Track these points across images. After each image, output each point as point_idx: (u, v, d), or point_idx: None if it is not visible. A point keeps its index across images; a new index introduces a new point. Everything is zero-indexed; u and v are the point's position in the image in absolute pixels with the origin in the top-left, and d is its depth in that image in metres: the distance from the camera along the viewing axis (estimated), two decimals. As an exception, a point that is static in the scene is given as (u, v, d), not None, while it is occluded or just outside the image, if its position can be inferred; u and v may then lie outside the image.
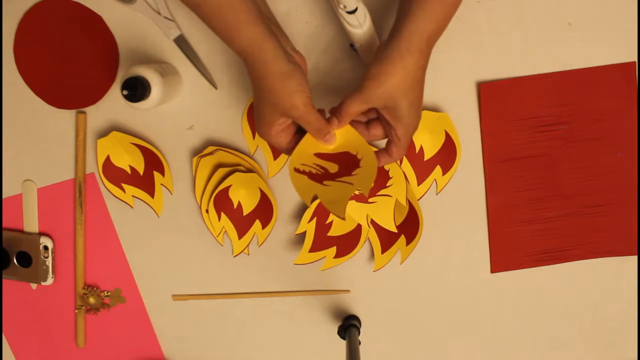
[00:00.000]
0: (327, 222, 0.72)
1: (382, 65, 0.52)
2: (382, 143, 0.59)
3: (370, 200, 0.70)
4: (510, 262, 0.73)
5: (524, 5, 0.66)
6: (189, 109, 0.71)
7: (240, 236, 0.74)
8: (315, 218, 0.71)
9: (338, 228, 0.72)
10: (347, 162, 0.56)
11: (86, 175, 0.75)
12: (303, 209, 0.72)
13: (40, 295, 0.79)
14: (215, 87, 0.70)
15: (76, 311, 0.78)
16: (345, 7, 0.57)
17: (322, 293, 0.75)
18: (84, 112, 0.73)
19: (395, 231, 0.70)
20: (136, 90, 0.61)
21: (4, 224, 0.78)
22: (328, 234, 0.72)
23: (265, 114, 0.54)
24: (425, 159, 0.70)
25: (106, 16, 0.70)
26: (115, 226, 0.76)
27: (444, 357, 0.77)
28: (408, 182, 0.70)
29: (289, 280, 0.76)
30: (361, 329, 0.75)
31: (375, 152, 0.57)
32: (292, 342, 0.78)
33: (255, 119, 0.56)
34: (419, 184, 0.71)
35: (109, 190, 0.74)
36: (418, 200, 0.71)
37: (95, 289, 0.78)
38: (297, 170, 0.56)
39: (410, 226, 0.71)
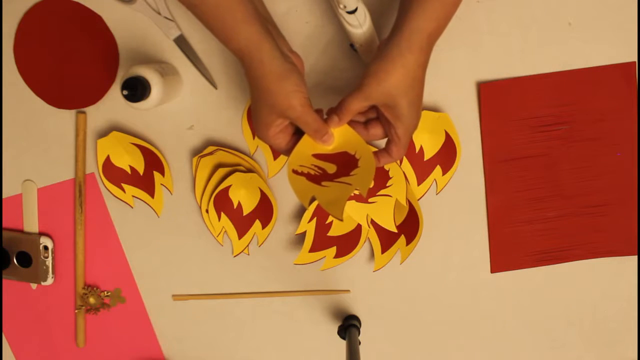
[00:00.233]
0: (327, 222, 0.72)
1: (383, 63, 0.52)
2: (382, 143, 0.59)
3: (370, 200, 0.70)
4: (510, 262, 0.73)
5: (524, 5, 0.66)
6: (189, 109, 0.71)
7: (240, 236, 0.74)
8: (315, 218, 0.71)
9: (338, 228, 0.72)
10: (345, 163, 0.56)
11: (86, 175, 0.75)
12: (303, 209, 0.72)
13: (40, 295, 0.79)
14: (215, 87, 0.70)
15: (76, 311, 0.78)
16: (345, 7, 0.57)
17: (322, 293, 0.75)
18: (84, 112, 0.73)
19: (395, 231, 0.70)
20: (136, 90, 0.61)
21: (4, 224, 0.78)
22: (328, 234, 0.72)
23: (263, 115, 0.54)
24: (425, 159, 0.70)
25: (106, 16, 0.70)
26: (115, 226, 0.76)
27: (444, 357, 0.77)
28: (408, 182, 0.70)
29: (289, 280, 0.76)
30: (361, 329, 0.75)
31: (375, 152, 0.57)
32: (292, 342, 0.78)
33: (253, 120, 0.56)
34: (419, 184, 0.71)
35: (109, 190, 0.74)
36: (418, 200, 0.71)
37: (95, 289, 0.78)
38: (295, 172, 0.56)
39: (410, 226, 0.71)
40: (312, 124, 0.54)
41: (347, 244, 0.72)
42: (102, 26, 0.70)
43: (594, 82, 0.67)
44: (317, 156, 0.57)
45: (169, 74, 0.66)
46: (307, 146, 0.57)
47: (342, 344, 0.75)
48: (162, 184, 0.74)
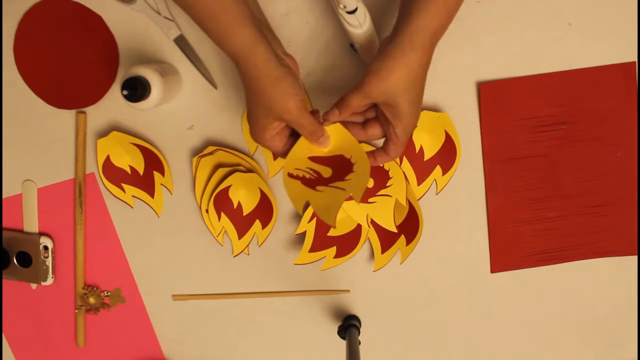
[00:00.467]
0: (327, 222, 0.72)
1: (384, 61, 0.52)
2: (380, 142, 0.59)
3: (370, 200, 0.70)
4: (510, 262, 0.73)
5: (524, 5, 0.66)
6: (189, 109, 0.71)
7: (240, 236, 0.74)
8: (315, 218, 0.71)
9: (338, 228, 0.72)
10: (340, 166, 0.56)
11: (86, 175, 0.75)
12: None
13: (40, 295, 0.79)
14: (215, 87, 0.70)
15: (76, 311, 0.78)
16: (345, 7, 0.57)
17: (322, 293, 0.75)
18: (84, 112, 0.73)
19: (395, 231, 0.70)
20: (136, 90, 0.61)
21: (4, 224, 0.78)
22: (328, 234, 0.72)
23: (259, 118, 0.54)
24: (425, 159, 0.70)
25: (106, 16, 0.70)
26: (115, 226, 0.76)
27: (444, 356, 0.77)
28: (408, 182, 0.70)
29: (289, 280, 0.76)
30: (361, 329, 0.75)
31: (373, 150, 0.57)
32: (292, 342, 0.78)
33: (249, 123, 0.56)
34: (419, 184, 0.71)
35: (109, 190, 0.74)
36: (418, 200, 0.71)
37: (95, 289, 0.78)
38: (290, 175, 0.56)
39: (410, 226, 0.71)
40: (308, 127, 0.54)
41: (347, 244, 0.72)
42: (102, 26, 0.70)
43: (594, 82, 0.67)
44: (313, 159, 0.57)
45: (169, 74, 0.66)
46: (303, 149, 0.57)
47: (342, 344, 0.75)
48: (162, 184, 0.74)
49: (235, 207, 0.73)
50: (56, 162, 0.75)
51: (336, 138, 0.57)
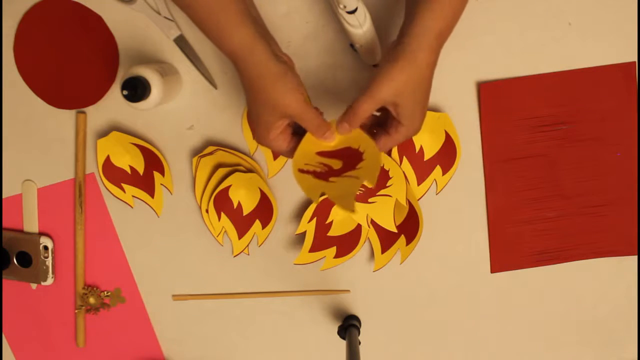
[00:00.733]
0: (327, 222, 0.72)
1: (394, 63, 0.52)
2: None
3: (370, 200, 0.70)
4: (510, 262, 0.73)
5: (524, 5, 0.66)
6: (189, 109, 0.71)
7: (240, 236, 0.74)
8: (315, 218, 0.71)
9: (338, 228, 0.72)
10: (350, 157, 0.56)
11: (86, 175, 0.75)
12: (303, 209, 0.72)
13: (40, 295, 0.79)
14: (215, 87, 0.70)
15: (76, 311, 0.78)
16: (345, 7, 0.57)
17: (322, 293, 0.75)
18: (84, 112, 0.73)
19: (395, 231, 0.70)
20: (136, 90, 0.61)
21: (4, 224, 0.78)
22: (328, 234, 0.72)
23: (263, 118, 0.54)
24: (425, 159, 0.70)
25: (106, 16, 0.70)
26: (115, 226, 0.76)
27: (444, 356, 0.77)
28: (408, 182, 0.70)
29: (289, 280, 0.76)
30: (361, 329, 0.75)
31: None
32: (292, 342, 0.78)
33: (252, 124, 0.56)
34: (419, 184, 0.71)
35: (109, 190, 0.74)
36: (418, 200, 0.71)
37: (95, 289, 0.78)
38: (301, 170, 0.55)
39: (410, 226, 0.71)
40: (314, 121, 0.54)
41: (347, 244, 0.72)
42: (102, 26, 0.70)
43: (594, 82, 0.67)
44: (321, 154, 0.57)
45: (169, 74, 0.66)
46: (310, 145, 0.56)
47: (342, 344, 0.75)
48: (162, 184, 0.74)
49: (235, 207, 0.73)
50: (56, 162, 0.75)
51: None
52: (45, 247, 0.76)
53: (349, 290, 0.75)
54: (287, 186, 0.72)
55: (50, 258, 0.77)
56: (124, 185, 0.74)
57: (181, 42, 0.69)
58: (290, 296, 0.76)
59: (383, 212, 0.70)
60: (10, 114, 0.74)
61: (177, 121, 0.72)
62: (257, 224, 0.73)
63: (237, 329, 0.78)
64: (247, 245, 0.74)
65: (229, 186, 0.71)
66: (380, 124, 0.57)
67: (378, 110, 0.56)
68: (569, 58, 0.67)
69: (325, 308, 0.76)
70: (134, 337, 0.79)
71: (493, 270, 0.73)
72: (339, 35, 0.67)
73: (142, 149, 0.72)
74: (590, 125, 0.68)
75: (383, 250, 0.72)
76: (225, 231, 0.73)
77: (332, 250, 0.72)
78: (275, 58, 0.53)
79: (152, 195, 0.74)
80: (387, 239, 0.72)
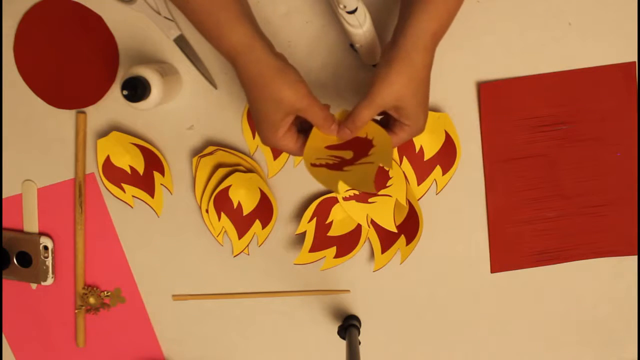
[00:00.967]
0: (327, 222, 0.72)
1: (391, 67, 0.52)
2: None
3: (370, 200, 0.70)
4: (510, 262, 0.73)
5: (524, 5, 0.66)
6: (189, 109, 0.71)
7: (240, 236, 0.74)
8: (315, 218, 0.71)
9: (338, 228, 0.72)
10: (360, 146, 0.56)
11: (86, 175, 0.75)
12: (303, 209, 0.72)
13: (40, 295, 0.79)
14: (215, 87, 0.70)
15: (76, 311, 0.78)
16: (345, 7, 0.57)
17: (322, 293, 0.75)
18: (84, 112, 0.73)
19: (395, 231, 0.70)
20: (136, 90, 0.61)
21: (4, 224, 0.78)
22: (328, 234, 0.72)
23: (268, 116, 0.53)
24: (425, 159, 0.70)
25: (106, 16, 0.70)
26: (115, 226, 0.76)
27: (444, 356, 0.77)
28: (408, 182, 0.70)
29: (289, 280, 0.76)
30: (361, 329, 0.75)
31: None
32: (292, 342, 0.78)
33: (257, 126, 0.55)
34: (419, 184, 0.71)
35: (109, 190, 0.74)
36: (418, 200, 0.71)
37: (95, 289, 0.78)
38: (313, 165, 0.55)
39: (410, 226, 0.71)
40: (321, 113, 0.54)
41: (347, 244, 0.72)
42: (102, 26, 0.70)
43: (594, 82, 0.67)
44: (330, 147, 0.56)
45: (169, 74, 0.66)
46: (317, 140, 0.56)
47: (342, 344, 0.75)
48: (162, 184, 0.74)
49: (235, 207, 0.73)
50: (56, 162, 0.75)
51: None
52: (45, 247, 0.76)
53: (349, 290, 0.75)
54: (287, 186, 0.72)
55: (50, 258, 0.77)
56: (124, 185, 0.74)
57: (181, 42, 0.69)
58: (290, 296, 0.76)
59: (383, 212, 0.70)
60: (10, 114, 0.74)
61: (177, 121, 0.72)
62: (257, 224, 0.73)
63: (237, 329, 0.78)
64: (247, 245, 0.74)
65: (229, 186, 0.71)
66: (385, 124, 0.57)
67: (379, 115, 0.57)
68: (569, 58, 0.67)
69: (325, 308, 0.76)
70: (134, 337, 0.79)
71: (493, 270, 0.73)
72: (339, 35, 0.67)
73: (142, 149, 0.72)
74: (590, 125, 0.68)
75: (383, 250, 0.72)
76: (225, 231, 0.73)
77: (332, 250, 0.72)
78: (275, 54, 0.53)
79: (152, 195, 0.74)
80: (387, 239, 0.72)
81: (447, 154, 0.70)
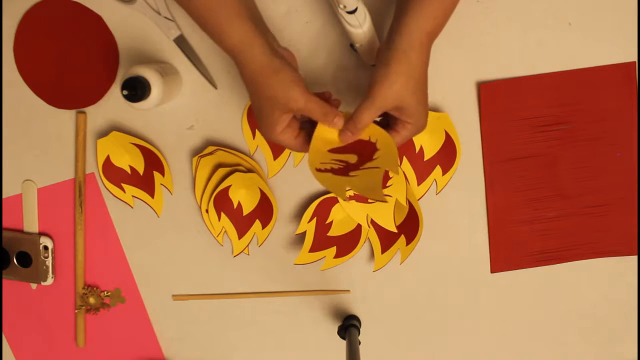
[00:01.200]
0: (327, 222, 0.72)
1: (390, 66, 0.52)
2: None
3: (370, 200, 0.70)
4: (510, 262, 0.73)
5: (524, 5, 0.66)
6: (189, 109, 0.71)
7: (240, 236, 0.74)
8: (315, 218, 0.71)
9: (338, 228, 0.72)
10: (364, 149, 0.56)
11: (86, 175, 0.75)
12: (303, 209, 0.72)
13: (40, 295, 0.79)
14: (215, 87, 0.70)
15: (76, 311, 0.78)
16: (345, 7, 0.57)
17: (322, 293, 0.75)
18: (84, 112, 0.73)
19: (395, 231, 0.70)
20: (136, 90, 0.61)
21: (4, 224, 0.78)
22: (328, 234, 0.72)
23: (266, 113, 0.54)
24: (425, 159, 0.70)
25: (106, 16, 0.70)
26: (115, 226, 0.76)
27: (444, 356, 0.77)
28: (408, 182, 0.70)
29: (289, 280, 0.76)
30: (361, 329, 0.75)
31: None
32: (292, 342, 0.78)
33: (258, 121, 0.56)
34: (419, 184, 0.71)
35: (109, 190, 0.74)
36: (418, 200, 0.71)
37: (95, 289, 0.78)
38: (319, 170, 0.55)
39: (410, 226, 0.71)
40: (319, 109, 0.54)
41: (347, 244, 0.72)
42: (102, 26, 0.70)
43: (594, 82, 0.67)
44: (334, 151, 0.56)
45: (169, 74, 0.66)
46: (320, 143, 0.56)
47: (342, 344, 0.75)
48: (162, 184, 0.74)
49: (235, 207, 0.73)
50: (56, 162, 0.75)
51: None
52: (45, 247, 0.76)
53: (349, 290, 0.75)
54: (287, 186, 0.72)
55: (50, 258, 0.77)
56: (124, 185, 0.74)
57: (181, 42, 0.69)
58: (290, 296, 0.76)
59: (383, 212, 0.70)
60: (10, 114, 0.74)
61: (177, 121, 0.72)
62: (257, 224, 0.73)
63: (237, 329, 0.78)
64: (247, 245, 0.74)
65: (229, 186, 0.71)
66: (386, 123, 0.57)
67: (379, 116, 0.57)
68: (569, 58, 0.67)
69: (325, 308, 0.76)
70: (134, 337, 0.79)
71: (493, 270, 0.73)
72: (339, 35, 0.67)
73: (142, 149, 0.72)
74: (590, 125, 0.68)
75: (383, 250, 0.72)
76: (225, 231, 0.73)
77: (332, 250, 0.72)
78: (273, 53, 0.53)
79: (152, 195, 0.74)
80: (387, 239, 0.72)
81: (447, 154, 0.70)
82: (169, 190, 0.74)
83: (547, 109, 0.68)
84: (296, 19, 0.67)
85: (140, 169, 0.73)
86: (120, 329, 0.79)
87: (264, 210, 0.72)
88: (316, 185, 0.72)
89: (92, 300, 0.77)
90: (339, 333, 0.72)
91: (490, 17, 0.66)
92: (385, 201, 0.52)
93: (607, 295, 0.74)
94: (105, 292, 0.78)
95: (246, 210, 0.73)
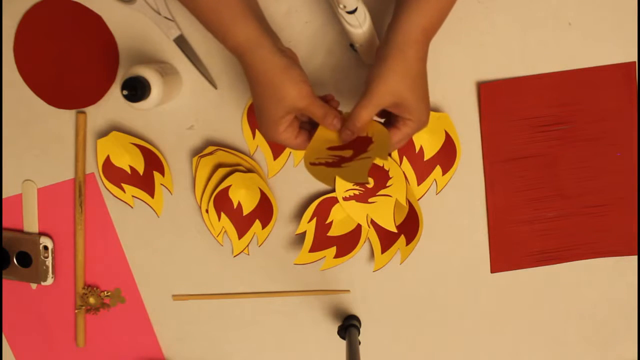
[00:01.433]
0: (327, 222, 0.72)
1: (385, 63, 0.52)
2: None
3: (370, 200, 0.70)
4: (510, 262, 0.73)
5: (524, 5, 0.66)
6: (189, 109, 0.71)
7: (240, 236, 0.74)
8: (315, 218, 0.71)
9: (338, 228, 0.72)
10: (360, 144, 0.56)
11: (86, 175, 0.75)
12: (303, 209, 0.72)
13: (40, 295, 0.79)
14: (215, 87, 0.70)
15: (76, 311, 0.78)
16: (345, 7, 0.57)
17: (322, 293, 0.75)
18: (84, 112, 0.73)
19: (395, 231, 0.70)
20: (136, 90, 0.61)
21: (4, 224, 0.78)
22: (328, 234, 0.72)
23: (271, 112, 0.54)
24: (425, 159, 0.70)
25: (106, 16, 0.70)
26: (115, 226, 0.76)
27: (444, 356, 0.77)
28: (408, 182, 0.70)
29: (289, 280, 0.76)
30: (361, 329, 0.75)
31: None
32: (292, 342, 0.78)
33: (259, 120, 0.56)
34: (419, 184, 0.71)
35: (109, 190, 0.74)
36: (418, 200, 0.71)
37: (95, 289, 0.78)
38: (312, 164, 0.55)
39: (410, 226, 0.71)
40: (321, 110, 0.55)
41: (347, 244, 0.72)
42: (102, 26, 0.70)
43: (594, 82, 0.67)
44: (332, 148, 0.57)
45: (169, 74, 0.66)
46: (320, 142, 0.57)
47: (342, 344, 0.75)
48: (162, 184, 0.74)
49: (235, 207, 0.73)
50: (56, 162, 0.75)
51: None
52: (45, 247, 0.76)
53: (349, 290, 0.75)
54: (287, 186, 0.72)
55: (50, 258, 0.77)
56: (124, 185, 0.74)
57: (181, 42, 0.69)
58: (290, 296, 0.76)
59: (383, 212, 0.70)
60: (10, 114, 0.74)
61: (177, 121, 0.72)
62: (257, 224, 0.73)
63: (237, 329, 0.78)
64: (247, 245, 0.74)
65: (229, 186, 0.71)
66: (388, 121, 0.57)
67: (380, 115, 0.57)
68: (569, 58, 0.67)
69: (325, 308, 0.76)
70: (134, 337, 0.79)
71: (493, 270, 0.73)
72: (339, 35, 0.67)
73: (142, 149, 0.72)
74: (590, 125, 0.68)
75: (383, 250, 0.72)
76: (225, 231, 0.73)
77: (332, 250, 0.72)
78: (280, 52, 0.53)
79: (152, 195, 0.74)
80: (387, 239, 0.72)
81: (447, 154, 0.70)
82: (169, 190, 0.74)
83: (547, 109, 0.68)
84: (296, 18, 0.67)
85: (140, 169, 0.73)
86: (120, 329, 0.79)
87: (264, 210, 0.72)
88: (316, 185, 0.72)
89: (92, 300, 0.77)
90: (339, 333, 0.72)
91: (490, 17, 0.66)
92: (369, 183, 0.52)
93: (607, 295, 0.74)
94: (105, 292, 0.78)
95: (246, 210, 0.73)
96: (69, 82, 0.72)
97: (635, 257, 0.72)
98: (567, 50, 0.66)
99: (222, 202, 0.72)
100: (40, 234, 0.77)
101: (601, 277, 0.73)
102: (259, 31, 0.52)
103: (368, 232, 0.72)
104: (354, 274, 0.75)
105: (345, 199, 0.70)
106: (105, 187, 0.74)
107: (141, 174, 0.73)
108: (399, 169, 0.69)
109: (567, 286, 0.73)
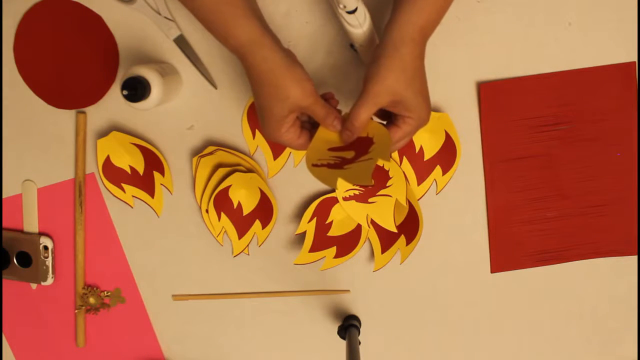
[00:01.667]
0: (327, 222, 0.72)
1: (381, 63, 0.52)
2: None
3: (370, 200, 0.70)
4: (510, 262, 0.73)
5: (524, 5, 0.66)
6: (189, 109, 0.71)
7: (240, 236, 0.74)
8: (315, 218, 0.71)
9: (338, 228, 0.72)
10: (361, 145, 0.56)
11: (86, 175, 0.75)
12: (303, 209, 0.72)
13: (40, 295, 0.79)
14: (215, 87, 0.70)
15: (76, 311, 0.78)
16: (345, 7, 0.56)
17: (322, 293, 0.75)
18: (84, 112, 0.73)
19: (395, 231, 0.70)
20: (136, 90, 0.61)
21: (4, 224, 0.78)
22: (328, 234, 0.72)
23: (274, 112, 0.54)
24: (425, 159, 0.70)
25: (106, 16, 0.70)
26: (115, 226, 0.76)
27: (444, 356, 0.77)
28: (408, 182, 0.70)
29: (289, 280, 0.76)
30: (361, 329, 0.75)
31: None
32: (292, 342, 0.78)
33: (262, 120, 0.55)
34: (419, 184, 0.71)
35: (109, 190, 0.74)
36: (418, 200, 0.71)
37: (95, 289, 0.78)
38: (314, 165, 0.55)
39: (410, 226, 0.71)
40: (323, 109, 0.55)
41: (347, 244, 0.72)
42: (102, 26, 0.70)
43: (594, 82, 0.67)
44: (333, 149, 0.57)
45: (169, 74, 0.66)
46: (321, 143, 0.57)
47: (342, 344, 0.75)
48: (162, 184, 0.74)
49: (235, 207, 0.73)
50: (56, 162, 0.75)
51: None
52: (45, 247, 0.76)
53: (349, 290, 0.75)
54: (287, 186, 0.72)
55: (50, 258, 0.77)
56: (124, 185, 0.74)
57: (181, 42, 0.69)
58: (290, 296, 0.76)
59: (383, 212, 0.70)
60: (10, 114, 0.74)
61: (177, 121, 0.72)
62: (257, 224, 0.73)
63: (237, 329, 0.78)
64: (247, 245, 0.74)
65: (229, 186, 0.71)
66: (388, 120, 0.57)
67: (381, 117, 0.57)
68: (569, 58, 0.67)
69: (325, 308, 0.76)
70: (134, 337, 0.79)
71: (493, 270, 0.73)
72: (339, 35, 0.67)
73: (142, 149, 0.72)
74: (590, 125, 0.68)
75: (383, 250, 0.72)
76: (225, 231, 0.73)
77: (332, 250, 0.72)
78: (282, 51, 0.53)
79: (152, 195, 0.74)
80: (387, 239, 0.72)
81: (447, 154, 0.70)
82: (169, 190, 0.74)
83: (547, 109, 0.68)
84: (296, 18, 0.67)
85: (140, 169, 0.73)
86: (120, 329, 0.79)
87: (264, 210, 0.72)
88: (316, 185, 0.72)
89: (92, 300, 0.77)
90: (339, 333, 0.72)
91: (490, 17, 0.66)
92: (372, 184, 0.52)
93: (607, 295, 0.74)
94: (105, 292, 0.78)
95: (246, 210, 0.73)
96: (69, 82, 0.72)
97: (635, 257, 0.72)
98: (567, 50, 0.66)
99: (222, 202, 0.72)
100: (40, 234, 0.77)
101: (601, 277, 0.73)
102: (261, 31, 0.52)
103: (368, 232, 0.72)
104: (354, 274, 0.75)
105: (345, 199, 0.70)
106: (105, 187, 0.74)
107: (141, 174, 0.73)
108: (399, 169, 0.69)
109: (567, 286, 0.73)
